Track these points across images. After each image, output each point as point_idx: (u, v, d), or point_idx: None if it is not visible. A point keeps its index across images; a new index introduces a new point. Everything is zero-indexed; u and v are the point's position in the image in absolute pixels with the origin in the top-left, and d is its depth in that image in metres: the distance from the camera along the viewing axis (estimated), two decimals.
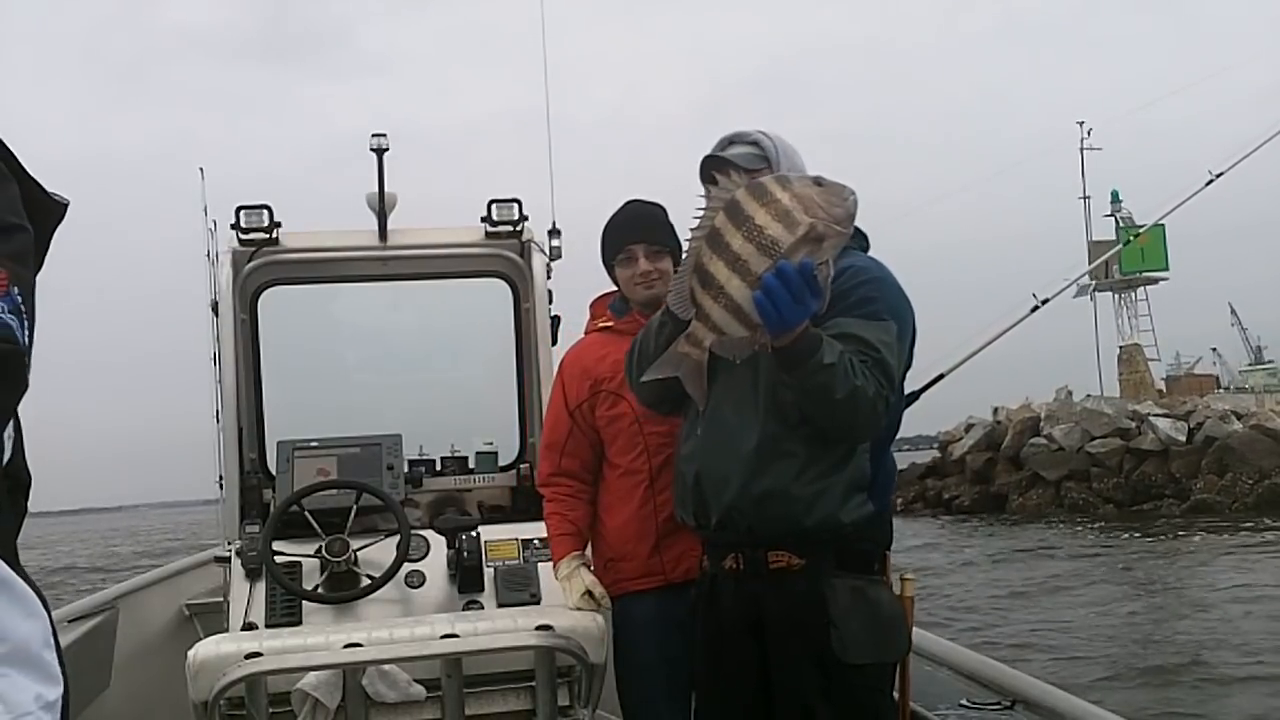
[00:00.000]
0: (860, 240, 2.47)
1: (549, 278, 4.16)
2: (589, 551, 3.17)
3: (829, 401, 2.18)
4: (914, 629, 2.54)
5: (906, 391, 2.60)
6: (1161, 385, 38.23)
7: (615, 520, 3.06)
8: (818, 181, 2.11)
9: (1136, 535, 23.51)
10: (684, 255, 2.16)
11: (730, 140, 2.51)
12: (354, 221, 4.17)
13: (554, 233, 4.19)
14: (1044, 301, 4.14)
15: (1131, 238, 19.52)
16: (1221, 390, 40.72)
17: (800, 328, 2.10)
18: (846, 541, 2.35)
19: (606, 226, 3.09)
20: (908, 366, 2.45)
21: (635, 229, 3.03)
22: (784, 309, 2.02)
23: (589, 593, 2.92)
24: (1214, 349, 56.86)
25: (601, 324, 3.20)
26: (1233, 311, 63.47)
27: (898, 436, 2.55)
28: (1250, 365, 58.53)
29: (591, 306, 3.30)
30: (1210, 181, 4.62)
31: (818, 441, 2.30)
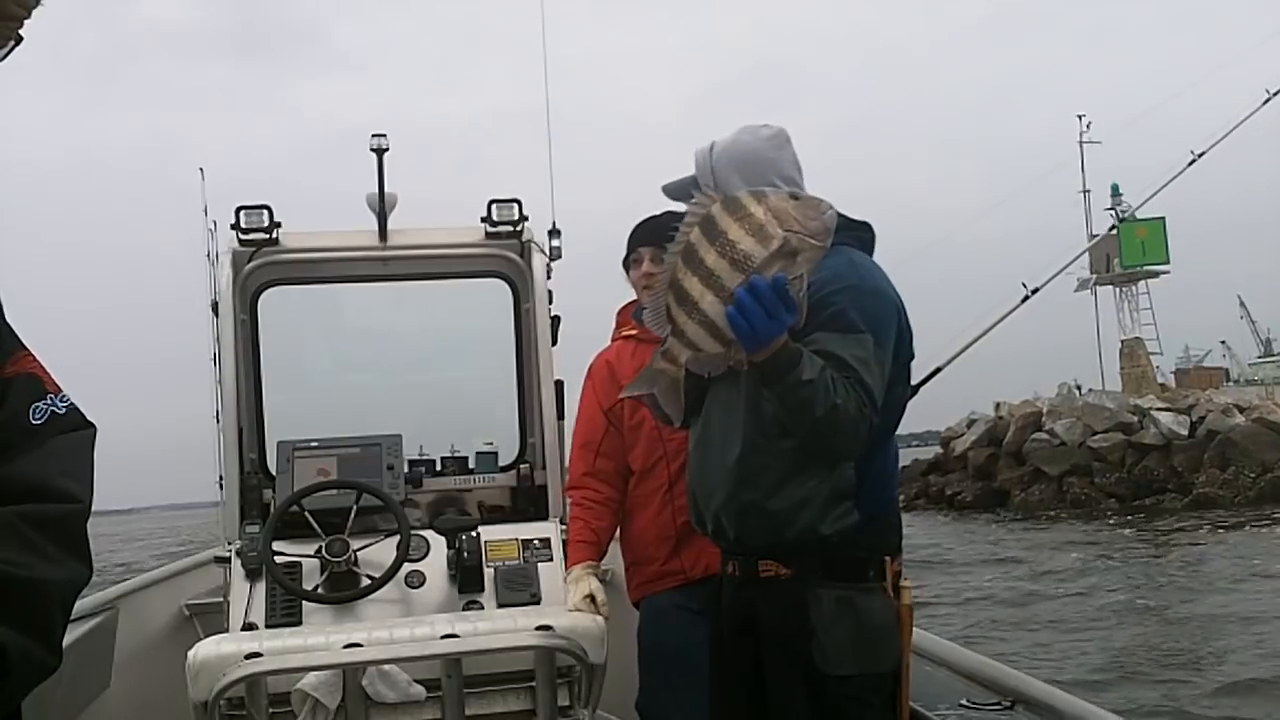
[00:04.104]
0: (863, 231, 2.45)
1: (549, 278, 4.16)
2: (616, 556, 3.26)
3: (809, 418, 2.15)
4: (914, 629, 2.52)
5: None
6: (1164, 379, 38.14)
7: (637, 524, 3.16)
8: (794, 195, 2.10)
9: (1139, 529, 23.50)
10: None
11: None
12: (340, 220, 4.17)
13: (554, 233, 4.18)
14: (1034, 291, 4.13)
15: (1121, 219, 19.58)
16: (1231, 383, 40.63)
17: (776, 343, 2.07)
18: (833, 550, 2.30)
19: (629, 235, 3.25)
20: (910, 359, 2.43)
21: (647, 234, 3.15)
22: (757, 324, 2.00)
23: (591, 596, 2.94)
24: (1223, 341, 56.86)
25: (625, 332, 3.30)
26: (1242, 304, 63.38)
27: (897, 433, 2.49)
28: (1260, 358, 58.44)
29: (617, 315, 3.39)
30: (1193, 161, 4.62)
31: (798, 452, 2.26)
